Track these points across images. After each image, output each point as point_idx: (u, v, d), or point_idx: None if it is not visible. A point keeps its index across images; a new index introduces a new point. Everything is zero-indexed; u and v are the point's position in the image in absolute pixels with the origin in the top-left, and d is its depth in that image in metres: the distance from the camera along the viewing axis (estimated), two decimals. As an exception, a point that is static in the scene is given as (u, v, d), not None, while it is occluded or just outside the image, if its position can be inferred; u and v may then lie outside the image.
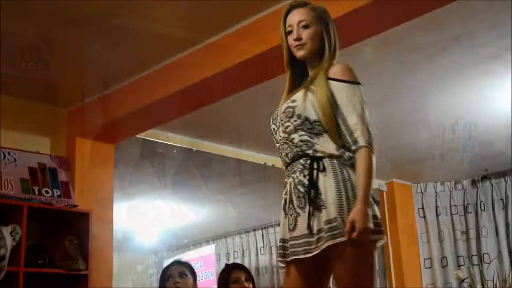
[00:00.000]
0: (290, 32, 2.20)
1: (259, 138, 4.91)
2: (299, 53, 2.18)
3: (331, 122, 2.07)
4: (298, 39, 2.16)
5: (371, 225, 1.95)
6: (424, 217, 6.34)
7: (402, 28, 3.20)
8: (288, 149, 2.12)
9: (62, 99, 4.28)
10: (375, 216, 1.99)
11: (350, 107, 2.06)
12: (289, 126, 2.12)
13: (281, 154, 2.17)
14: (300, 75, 2.23)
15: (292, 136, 2.11)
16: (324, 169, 2.05)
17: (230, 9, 3.26)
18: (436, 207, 6.34)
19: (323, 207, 2.01)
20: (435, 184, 6.38)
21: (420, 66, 3.92)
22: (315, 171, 2.05)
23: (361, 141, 2.02)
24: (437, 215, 6.33)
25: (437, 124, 4.87)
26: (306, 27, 2.17)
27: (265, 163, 5.31)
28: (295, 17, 2.19)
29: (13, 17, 3.23)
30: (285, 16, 2.23)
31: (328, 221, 1.98)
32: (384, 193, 6.28)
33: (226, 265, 3.72)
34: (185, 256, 7.29)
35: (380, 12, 2.92)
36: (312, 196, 2.03)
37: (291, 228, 2.08)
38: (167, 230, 7.65)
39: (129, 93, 4.03)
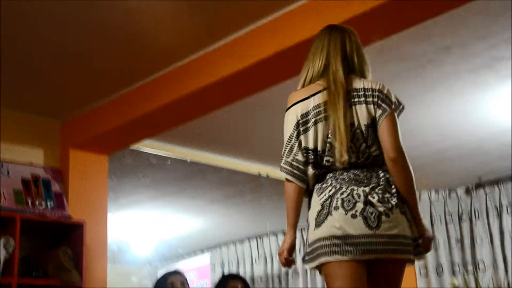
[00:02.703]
0: None
1: (253, 148, 4.92)
2: None
3: None
4: None
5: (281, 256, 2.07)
6: (419, 225, 6.32)
7: (393, 38, 3.22)
8: None
9: (56, 110, 4.28)
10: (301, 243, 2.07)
11: None
12: None
13: None
14: None
15: None
16: None
17: (230, 16, 3.26)
18: (431, 215, 6.34)
19: None
20: (429, 192, 6.38)
21: (411, 76, 3.94)
22: None
23: None
24: (431, 224, 6.32)
25: (430, 133, 4.88)
26: None
27: (259, 173, 5.31)
28: None
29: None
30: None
31: None
32: (379, 201, 6.27)
33: (223, 275, 3.72)
34: (179, 266, 7.26)
35: (371, 23, 2.93)
36: None
37: None
38: (162, 240, 7.63)
39: (123, 103, 4.03)
